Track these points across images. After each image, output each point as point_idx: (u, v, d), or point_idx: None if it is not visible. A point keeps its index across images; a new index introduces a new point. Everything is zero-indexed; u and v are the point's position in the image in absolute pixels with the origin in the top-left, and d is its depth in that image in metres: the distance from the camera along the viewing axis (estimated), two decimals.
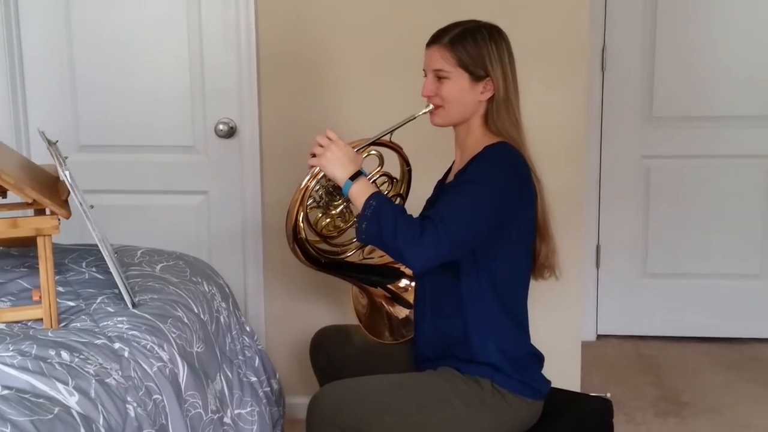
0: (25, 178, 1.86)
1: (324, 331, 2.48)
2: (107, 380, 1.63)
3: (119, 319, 1.87)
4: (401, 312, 2.35)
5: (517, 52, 2.10)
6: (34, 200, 1.80)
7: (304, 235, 2.18)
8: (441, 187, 2.23)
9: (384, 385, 2.08)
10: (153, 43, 2.98)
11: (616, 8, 3.78)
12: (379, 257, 2.33)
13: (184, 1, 2.94)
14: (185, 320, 2.01)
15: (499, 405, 2.03)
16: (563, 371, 2.63)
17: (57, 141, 2.04)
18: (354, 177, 2.00)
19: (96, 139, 3.07)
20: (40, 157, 2.85)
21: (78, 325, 1.83)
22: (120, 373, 1.70)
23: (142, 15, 2.97)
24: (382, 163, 2.26)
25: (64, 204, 1.85)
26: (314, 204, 2.19)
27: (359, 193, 1.98)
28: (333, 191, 2.18)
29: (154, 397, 1.75)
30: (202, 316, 2.13)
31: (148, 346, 1.81)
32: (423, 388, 2.05)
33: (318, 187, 2.16)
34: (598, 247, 4.00)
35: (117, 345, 1.77)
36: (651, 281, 3.99)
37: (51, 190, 1.91)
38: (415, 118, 2.11)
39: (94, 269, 2.18)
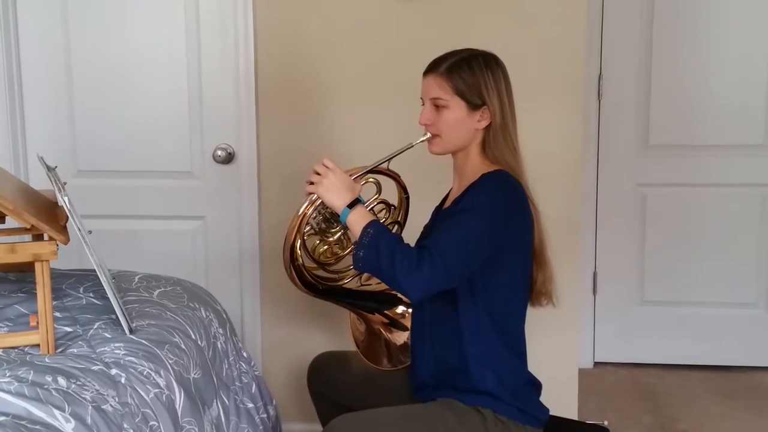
0: (24, 203, 1.86)
1: (322, 358, 2.48)
2: (104, 406, 1.62)
3: (116, 345, 1.86)
4: (399, 338, 2.35)
5: (514, 80, 2.11)
6: (32, 225, 1.80)
7: (301, 262, 2.18)
8: (438, 213, 2.23)
9: (394, 417, 2.06)
10: (152, 69, 3.00)
11: (612, 37, 3.81)
12: (376, 284, 2.33)
13: (183, 28, 2.96)
14: (182, 346, 2.01)
15: None
16: (560, 399, 2.62)
17: (56, 166, 2.04)
18: (352, 205, 2.00)
19: (94, 165, 3.08)
20: (39, 182, 2.85)
21: (75, 350, 1.83)
22: (117, 399, 1.69)
23: (142, 42, 2.99)
24: (379, 191, 2.26)
25: (63, 229, 1.85)
26: (311, 231, 2.19)
27: (357, 221, 1.98)
28: (330, 218, 2.19)
29: (151, 423, 1.74)
30: (199, 342, 2.12)
31: (144, 372, 1.81)
32: (432, 421, 2.03)
33: (315, 214, 2.16)
34: (594, 275, 4.00)
35: (114, 371, 1.76)
36: (647, 308, 3.99)
37: (49, 215, 1.92)
38: (412, 146, 2.11)
39: (91, 294, 2.18)
